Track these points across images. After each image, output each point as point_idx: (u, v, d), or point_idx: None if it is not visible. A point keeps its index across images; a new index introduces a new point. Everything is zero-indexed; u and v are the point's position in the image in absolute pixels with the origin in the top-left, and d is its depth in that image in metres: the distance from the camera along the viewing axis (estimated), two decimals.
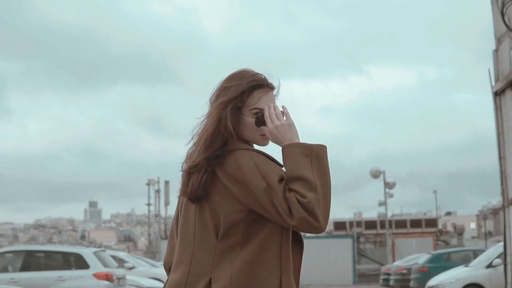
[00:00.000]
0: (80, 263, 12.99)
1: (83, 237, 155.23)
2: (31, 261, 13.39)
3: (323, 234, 56.54)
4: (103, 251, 15.03)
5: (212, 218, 2.42)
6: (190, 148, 2.54)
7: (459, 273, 18.59)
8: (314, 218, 2.25)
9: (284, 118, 2.48)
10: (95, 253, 13.35)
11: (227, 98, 2.45)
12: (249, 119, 2.48)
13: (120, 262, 18.22)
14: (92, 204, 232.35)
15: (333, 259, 36.69)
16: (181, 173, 2.53)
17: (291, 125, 2.46)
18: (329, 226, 67.35)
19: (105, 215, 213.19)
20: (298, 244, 2.48)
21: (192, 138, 2.54)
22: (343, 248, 37.21)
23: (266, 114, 2.45)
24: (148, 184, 50.32)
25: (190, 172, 2.44)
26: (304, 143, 2.40)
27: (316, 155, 2.36)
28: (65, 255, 13.48)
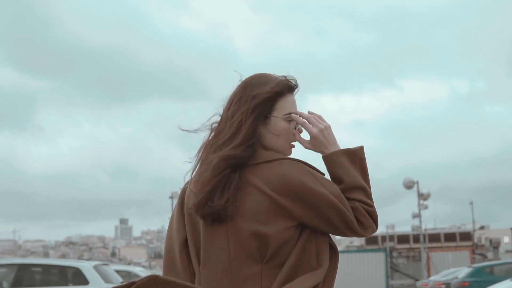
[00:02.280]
0: (78, 278, 11.74)
1: (113, 254, 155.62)
2: (25, 276, 12.21)
3: (354, 248, 55.57)
4: (106, 265, 13.78)
5: (254, 240, 2.16)
6: (199, 158, 2.32)
7: (507, 287, 17.32)
8: (377, 225, 2.28)
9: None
10: (95, 267, 12.08)
11: (253, 104, 2.26)
12: (283, 124, 2.30)
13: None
14: (123, 221, 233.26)
15: (365, 274, 35.64)
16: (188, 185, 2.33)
17: (331, 128, 2.38)
18: (361, 240, 66.23)
19: (136, 232, 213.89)
20: (334, 254, 2.30)
21: (204, 148, 2.31)
22: (375, 262, 36.22)
23: (302, 119, 2.33)
24: (172, 197, 49.44)
25: (212, 184, 2.18)
26: (348, 149, 2.32)
27: (359, 159, 2.32)
28: (62, 269, 12.29)
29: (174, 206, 2.50)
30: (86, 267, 11.94)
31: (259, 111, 2.26)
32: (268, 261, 2.17)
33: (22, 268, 12.21)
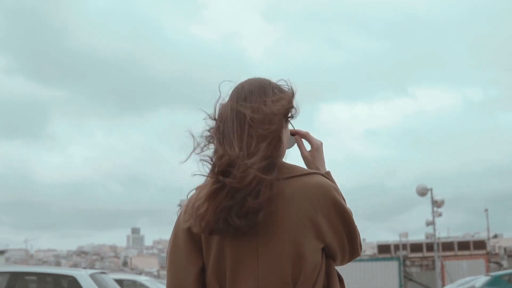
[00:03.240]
0: (73, 287, 11.10)
1: (125, 263, 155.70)
2: (17, 284, 11.59)
3: (366, 257, 55.26)
4: (104, 273, 13.20)
5: (290, 262, 1.94)
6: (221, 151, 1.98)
7: None
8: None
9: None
10: (92, 276, 11.43)
11: (284, 109, 2.04)
12: (288, 132, 2.19)
13: (141, 287, 16.75)
14: (135, 231, 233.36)
15: (378, 283, 35.19)
16: (212, 187, 1.95)
17: None
18: (373, 249, 65.64)
19: (148, 242, 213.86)
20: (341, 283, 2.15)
21: (225, 138, 1.99)
22: (389, 271, 35.78)
23: (305, 130, 2.28)
24: (180, 205, 49.02)
25: (240, 187, 1.91)
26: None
27: None
28: (56, 278, 11.67)
29: (177, 225, 2.12)
30: (82, 275, 11.32)
31: (286, 118, 2.12)
32: (300, 287, 1.96)
33: (15, 277, 11.65)
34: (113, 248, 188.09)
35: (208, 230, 1.95)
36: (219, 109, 2.09)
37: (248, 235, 1.96)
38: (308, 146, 2.32)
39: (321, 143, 2.28)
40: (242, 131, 1.98)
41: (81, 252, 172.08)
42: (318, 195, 1.99)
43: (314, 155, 2.27)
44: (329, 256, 2.07)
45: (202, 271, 2.04)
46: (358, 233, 2.09)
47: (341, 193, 2.07)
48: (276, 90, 2.10)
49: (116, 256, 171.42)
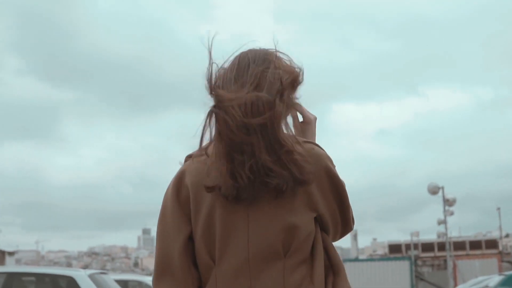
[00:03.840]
0: None
1: (136, 264, 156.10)
2: (13, 285, 11.30)
3: (377, 256, 54.94)
4: (104, 273, 12.92)
5: (281, 229, 1.91)
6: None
7: None
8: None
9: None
10: (91, 276, 11.11)
11: (294, 75, 2.02)
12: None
13: (146, 287, 16.50)
14: (146, 231, 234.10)
15: (389, 283, 34.86)
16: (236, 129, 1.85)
17: None
18: (384, 249, 65.38)
19: None
20: None
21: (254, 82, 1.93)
22: (400, 271, 35.48)
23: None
24: None
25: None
26: None
27: None
28: (54, 278, 11.32)
29: (166, 196, 2.07)
30: (81, 276, 11.01)
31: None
32: (291, 255, 1.94)
33: (11, 277, 11.37)
34: (124, 249, 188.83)
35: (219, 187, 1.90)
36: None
37: (239, 201, 1.91)
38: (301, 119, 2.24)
39: (315, 118, 2.22)
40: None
41: (92, 253, 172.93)
42: (313, 164, 1.93)
43: (305, 128, 2.20)
44: (322, 229, 2.04)
45: (190, 238, 2.00)
46: (350, 206, 2.07)
47: (334, 165, 2.03)
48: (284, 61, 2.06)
49: (127, 257, 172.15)
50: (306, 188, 1.92)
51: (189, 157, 2.05)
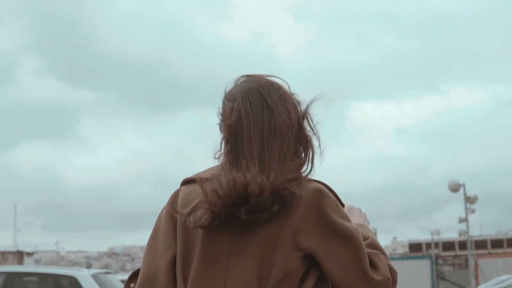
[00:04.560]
0: None
1: None
2: (13, 285, 10.98)
3: (397, 255, 54.69)
4: (108, 273, 12.61)
5: (258, 265, 1.84)
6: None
7: None
8: (394, 280, 2.03)
9: None
10: (94, 276, 10.79)
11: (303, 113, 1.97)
12: None
13: None
14: None
15: (410, 282, 34.41)
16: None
17: None
18: (404, 248, 64.88)
19: None
20: None
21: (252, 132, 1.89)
22: (420, 270, 35.10)
23: None
24: None
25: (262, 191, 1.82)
26: None
27: None
28: (56, 278, 11.02)
29: (161, 214, 2.07)
30: (83, 275, 10.68)
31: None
32: None
33: (11, 277, 11.07)
34: (144, 249, 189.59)
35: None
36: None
37: (223, 233, 1.87)
38: None
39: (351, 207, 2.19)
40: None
41: (112, 253, 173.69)
42: (310, 208, 1.88)
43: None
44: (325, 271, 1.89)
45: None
46: (359, 238, 1.88)
47: (336, 204, 1.92)
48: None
49: None
50: (299, 229, 1.83)
51: (186, 180, 2.04)
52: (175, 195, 2.03)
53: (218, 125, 2.01)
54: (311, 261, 1.89)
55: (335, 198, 1.95)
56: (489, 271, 37.08)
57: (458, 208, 35.83)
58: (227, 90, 2.02)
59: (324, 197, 1.89)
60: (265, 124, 1.90)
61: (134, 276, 2.16)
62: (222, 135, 1.95)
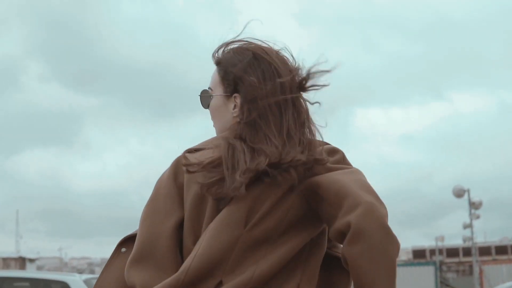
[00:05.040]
0: None
1: None
2: None
3: (401, 262, 54.42)
4: None
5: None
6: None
7: None
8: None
9: None
10: (87, 282, 10.53)
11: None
12: None
13: None
14: None
15: None
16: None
17: None
18: (408, 255, 64.55)
19: None
20: None
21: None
22: (424, 277, 34.84)
23: None
24: None
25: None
26: None
27: None
28: (47, 283, 10.55)
29: (161, 179, 2.02)
30: (75, 281, 10.30)
31: None
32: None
33: (0, 282, 10.79)
34: None
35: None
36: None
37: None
38: None
39: None
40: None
41: None
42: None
43: None
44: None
45: (181, 226, 1.93)
46: None
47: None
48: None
49: None
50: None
51: (188, 151, 1.99)
52: (177, 162, 1.98)
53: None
54: None
55: None
56: (494, 277, 36.74)
57: (462, 214, 35.67)
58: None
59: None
60: None
61: (126, 241, 2.06)
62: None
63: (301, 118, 1.96)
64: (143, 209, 2.00)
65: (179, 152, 2.01)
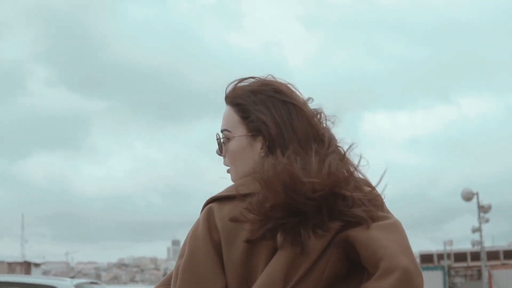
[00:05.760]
0: None
1: (165, 275, 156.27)
2: None
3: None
4: (95, 283, 11.88)
5: None
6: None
7: None
8: None
9: None
10: (77, 287, 10.26)
11: None
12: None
13: None
14: (175, 243, 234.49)
15: None
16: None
17: None
18: (416, 259, 64.08)
19: None
20: None
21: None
22: (433, 282, 34.63)
23: None
24: None
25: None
26: None
27: None
28: None
29: (195, 236, 1.80)
30: (66, 285, 10.09)
31: None
32: None
33: None
34: (154, 260, 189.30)
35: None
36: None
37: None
38: None
39: None
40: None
41: (121, 265, 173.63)
42: None
43: None
44: None
45: None
46: None
47: None
48: None
49: (157, 268, 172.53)
50: None
51: (206, 203, 1.85)
52: (208, 215, 1.81)
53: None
54: None
55: None
56: (503, 282, 36.56)
57: (470, 218, 35.44)
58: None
59: None
60: None
61: None
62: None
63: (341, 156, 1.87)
64: (180, 271, 1.79)
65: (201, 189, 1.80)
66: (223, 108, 2.07)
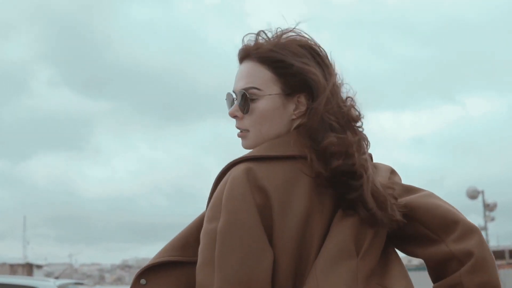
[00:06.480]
0: None
1: None
2: None
3: (413, 266, 53.82)
4: (80, 284, 11.71)
5: None
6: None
7: None
8: None
9: None
10: (60, 287, 10.04)
11: None
12: None
13: None
14: None
15: None
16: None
17: None
18: (420, 259, 63.80)
19: None
20: None
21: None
22: None
23: None
24: None
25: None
26: None
27: None
28: None
29: (234, 201, 1.58)
30: (48, 286, 9.83)
31: None
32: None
33: None
34: None
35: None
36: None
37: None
38: None
39: None
40: None
41: (125, 266, 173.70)
42: None
43: None
44: None
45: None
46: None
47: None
48: None
49: None
50: None
51: (236, 163, 1.65)
52: (248, 175, 1.61)
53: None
54: None
55: None
56: (509, 281, 36.37)
57: (475, 218, 35.26)
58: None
59: None
60: None
61: (145, 271, 1.79)
62: None
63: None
64: (218, 235, 1.58)
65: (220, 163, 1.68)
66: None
